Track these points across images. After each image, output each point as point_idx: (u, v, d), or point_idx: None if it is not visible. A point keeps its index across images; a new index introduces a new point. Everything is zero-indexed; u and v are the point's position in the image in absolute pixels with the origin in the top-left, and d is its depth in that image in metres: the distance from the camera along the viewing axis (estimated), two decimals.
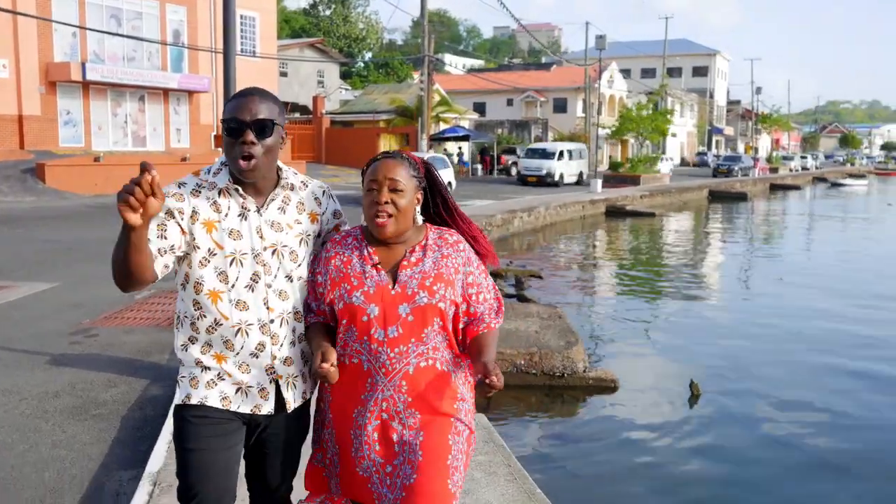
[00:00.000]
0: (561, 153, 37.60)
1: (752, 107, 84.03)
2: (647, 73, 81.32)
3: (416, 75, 48.92)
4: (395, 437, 2.36)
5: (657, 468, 6.67)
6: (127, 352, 7.12)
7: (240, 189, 2.40)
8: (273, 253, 2.42)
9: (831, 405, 8.32)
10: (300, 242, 2.48)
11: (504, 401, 7.76)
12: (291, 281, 2.45)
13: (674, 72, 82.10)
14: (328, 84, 51.92)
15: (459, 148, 43.82)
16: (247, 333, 2.39)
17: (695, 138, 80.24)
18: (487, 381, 2.19)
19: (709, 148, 78.94)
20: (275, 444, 2.53)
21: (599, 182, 33.67)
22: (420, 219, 2.49)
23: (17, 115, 26.83)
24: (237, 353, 2.41)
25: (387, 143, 41.04)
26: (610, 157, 57.74)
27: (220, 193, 2.40)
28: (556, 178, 36.47)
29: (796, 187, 54.12)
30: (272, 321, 2.41)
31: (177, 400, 2.48)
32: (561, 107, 61.08)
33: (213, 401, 2.41)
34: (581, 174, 39.42)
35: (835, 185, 61.08)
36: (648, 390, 8.58)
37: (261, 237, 2.40)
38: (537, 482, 4.55)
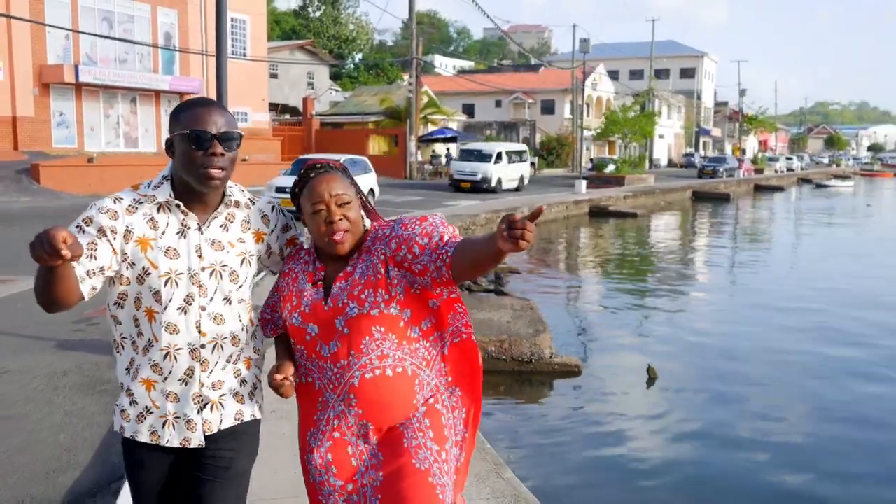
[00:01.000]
0: (499, 155, 32.88)
1: (739, 108, 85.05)
2: (635, 74, 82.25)
3: (405, 77, 49.70)
4: (349, 450, 2.31)
5: (615, 442, 7.30)
6: None
7: (181, 205, 2.30)
8: (211, 273, 2.32)
9: (773, 388, 9.01)
10: (241, 262, 2.39)
11: None
12: (230, 303, 2.36)
13: (661, 73, 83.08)
14: (318, 86, 52.50)
15: (448, 149, 44.47)
16: (175, 358, 2.30)
17: (682, 139, 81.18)
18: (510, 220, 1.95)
19: (696, 149, 79.88)
20: (210, 469, 2.39)
21: (584, 183, 34.36)
22: (367, 222, 2.41)
23: (10, 116, 27.36)
24: (165, 379, 2.32)
25: (376, 145, 41.68)
26: (591, 159, 58.40)
27: (159, 209, 2.30)
28: (493, 183, 31.92)
29: (780, 188, 54.95)
30: (203, 346, 2.32)
31: (115, 427, 2.46)
32: (549, 108, 61.88)
33: (144, 436, 2.36)
34: (522, 179, 34.78)
35: (820, 186, 61.94)
36: (610, 374, 9.26)
37: (199, 256, 2.31)
38: (501, 455, 5.18)
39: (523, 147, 37.05)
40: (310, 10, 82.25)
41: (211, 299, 2.31)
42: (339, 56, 74.99)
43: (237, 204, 2.40)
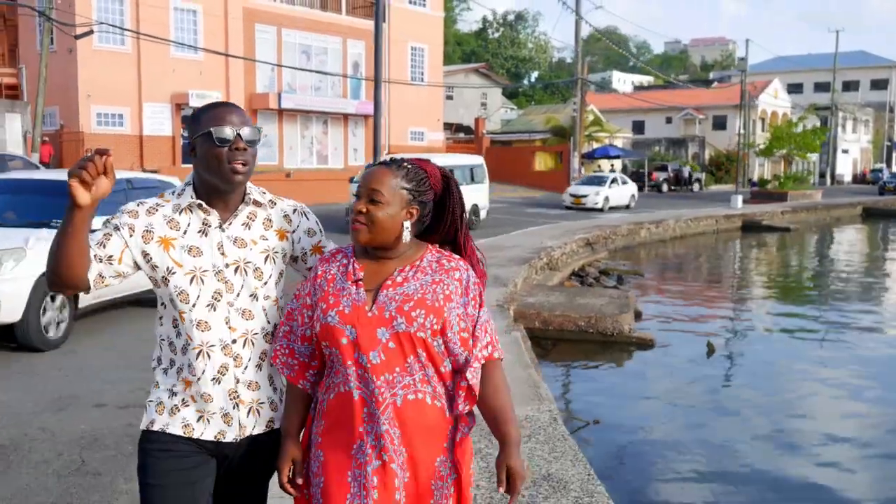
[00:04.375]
0: None
1: None
2: (820, 87, 79.62)
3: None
4: (396, 482, 2.13)
5: (678, 398, 9.43)
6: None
7: (203, 204, 2.34)
8: (236, 270, 2.35)
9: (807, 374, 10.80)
10: (265, 259, 2.40)
11: (566, 349, 10.87)
12: (256, 299, 2.38)
13: (850, 85, 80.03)
14: (490, 105, 55.94)
15: (612, 165, 46.37)
16: (208, 355, 2.32)
17: (870, 154, 77.79)
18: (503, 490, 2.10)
19: (888, 164, 76.21)
20: (237, 476, 2.44)
21: (739, 198, 35.13)
22: (407, 235, 2.24)
23: None
24: (199, 379, 2.33)
25: (542, 161, 44.38)
26: (749, 179, 57.57)
27: (180, 211, 2.35)
28: None
29: None
30: (234, 341, 2.33)
31: (142, 425, 2.41)
32: (720, 124, 61.88)
33: (175, 428, 2.34)
34: (476, 209, 22.38)
35: None
36: (677, 347, 11.45)
37: (222, 253, 2.34)
38: (580, 404, 7.54)
39: (478, 160, 25.12)
40: (489, 31, 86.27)
41: (238, 295, 2.35)
42: (516, 75, 78.30)
43: (258, 203, 2.43)
